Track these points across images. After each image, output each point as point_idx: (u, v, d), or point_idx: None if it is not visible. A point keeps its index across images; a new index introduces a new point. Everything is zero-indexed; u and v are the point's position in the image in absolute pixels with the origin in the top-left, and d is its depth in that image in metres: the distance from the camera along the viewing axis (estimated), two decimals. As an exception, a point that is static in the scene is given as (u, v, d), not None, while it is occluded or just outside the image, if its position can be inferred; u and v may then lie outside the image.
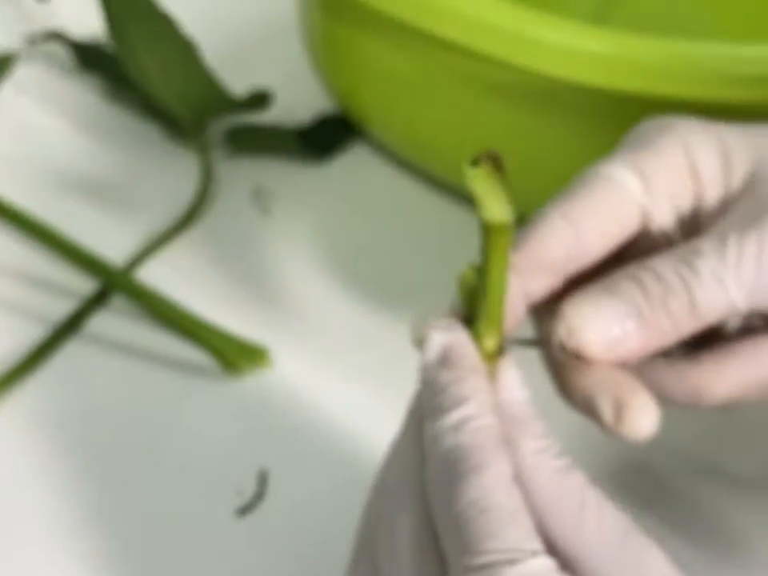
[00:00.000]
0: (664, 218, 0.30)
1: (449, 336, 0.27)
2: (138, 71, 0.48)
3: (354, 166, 0.50)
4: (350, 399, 0.40)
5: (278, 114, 0.51)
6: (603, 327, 0.28)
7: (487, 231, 0.27)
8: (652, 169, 0.30)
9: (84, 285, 0.44)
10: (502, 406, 0.27)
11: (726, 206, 0.30)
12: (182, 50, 0.48)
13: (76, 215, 0.47)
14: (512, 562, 0.24)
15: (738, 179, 0.30)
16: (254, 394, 0.41)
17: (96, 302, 0.43)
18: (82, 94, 0.53)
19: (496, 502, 0.24)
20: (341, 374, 0.41)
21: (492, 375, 0.27)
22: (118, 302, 0.43)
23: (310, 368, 0.41)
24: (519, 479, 0.26)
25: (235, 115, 0.50)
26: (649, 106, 0.35)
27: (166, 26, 0.47)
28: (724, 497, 0.37)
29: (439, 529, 0.25)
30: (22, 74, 0.54)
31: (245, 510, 0.37)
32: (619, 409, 0.27)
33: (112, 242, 0.46)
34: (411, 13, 0.41)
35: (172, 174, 0.49)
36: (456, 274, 0.35)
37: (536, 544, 0.24)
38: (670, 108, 0.35)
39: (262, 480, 0.38)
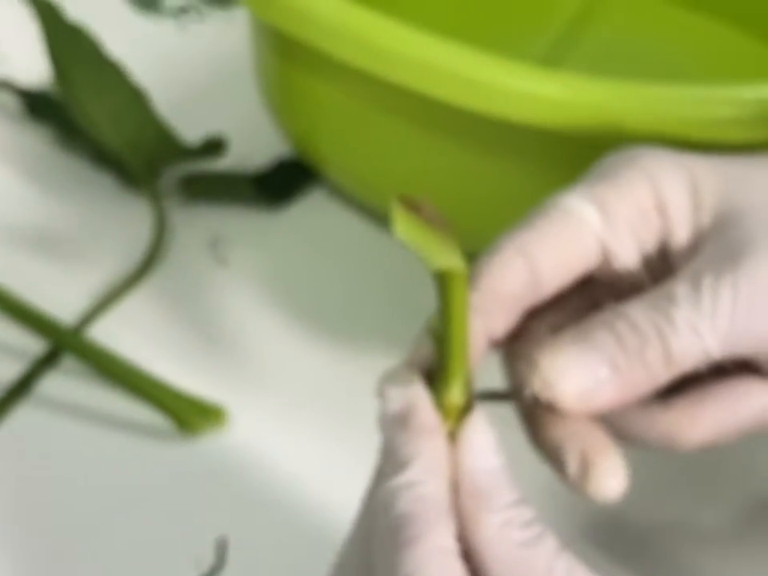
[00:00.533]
0: (627, 252, 0.29)
1: (406, 391, 0.26)
2: (86, 120, 0.47)
3: (312, 210, 0.49)
4: (310, 458, 0.39)
5: (233, 160, 0.50)
6: (578, 380, 0.27)
7: (440, 281, 0.26)
8: (613, 201, 0.29)
9: (34, 345, 0.42)
10: (466, 474, 0.25)
11: (697, 243, 0.29)
12: (132, 97, 0.47)
13: (24, 270, 0.45)
14: None
15: (708, 215, 0.29)
16: (211, 456, 0.39)
17: (46, 363, 0.41)
18: (31, 143, 0.51)
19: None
20: (301, 430, 0.40)
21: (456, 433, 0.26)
22: (69, 362, 0.42)
23: (269, 426, 0.40)
24: (481, 554, 0.25)
25: (189, 163, 0.49)
26: (603, 147, 0.34)
27: (114, 73, 0.46)
28: (699, 551, 0.37)
29: None
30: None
31: (203, 582, 0.36)
32: (585, 466, 0.26)
33: (63, 298, 0.44)
34: (363, 58, 0.40)
35: (125, 224, 0.48)
36: (419, 320, 0.34)
37: None
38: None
39: (221, 549, 0.36)
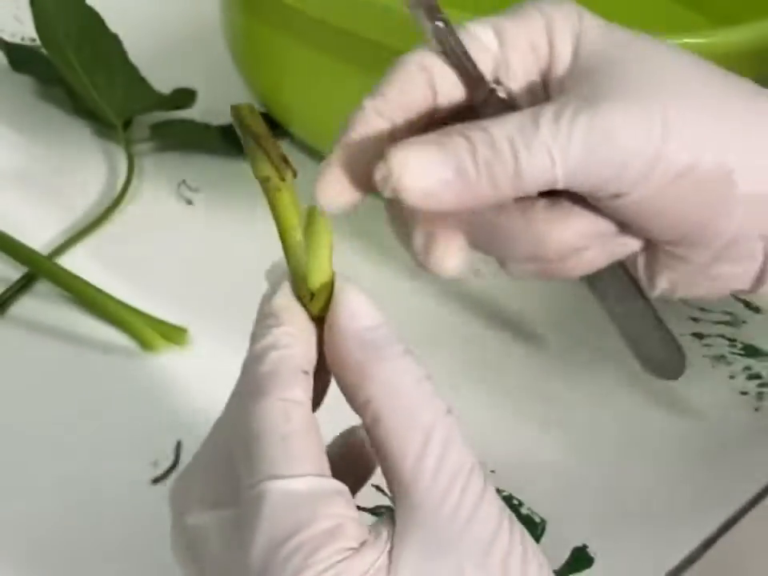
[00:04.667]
0: (516, 77, 0.31)
1: (274, 279, 0.29)
2: (65, 68, 0.50)
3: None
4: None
5: (201, 112, 0.53)
6: (423, 177, 0.28)
7: (262, 187, 0.28)
8: (510, 30, 0.31)
9: (10, 271, 0.45)
10: (350, 334, 0.27)
11: (570, 83, 0.31)
12: (108, 46, 0.50)
13: (4, 206, 0.49)
14: (272, 477, 0.25)
15: (584, 61, 0.31)
16: (172, 372, 0.43)
17: (21, 287, 0.45)
18: (13, 92, 0.55)
19: (269, 426, 0.26)
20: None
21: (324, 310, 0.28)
22: (42, 287, 0.45)
23: (228, 347, 0.43)
24: (376, 401, 0.26)
25: (160, 112, 0.52)
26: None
27: (93, 22, 0.49)
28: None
29: (233, 451, 0.26)
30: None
31: (159, 480, 0.39)
32: (429, 243, 0.29)
33: (39, 232, 0.48)
34: (324, 8, 0.43)
35: (99, 168, 0.51)
36: (384, 257, 0.37)
37: (307, 468, 0.25)
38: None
39: (177, 452, 0.40)
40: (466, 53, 0.31)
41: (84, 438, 0.40)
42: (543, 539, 0.38)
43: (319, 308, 0.28)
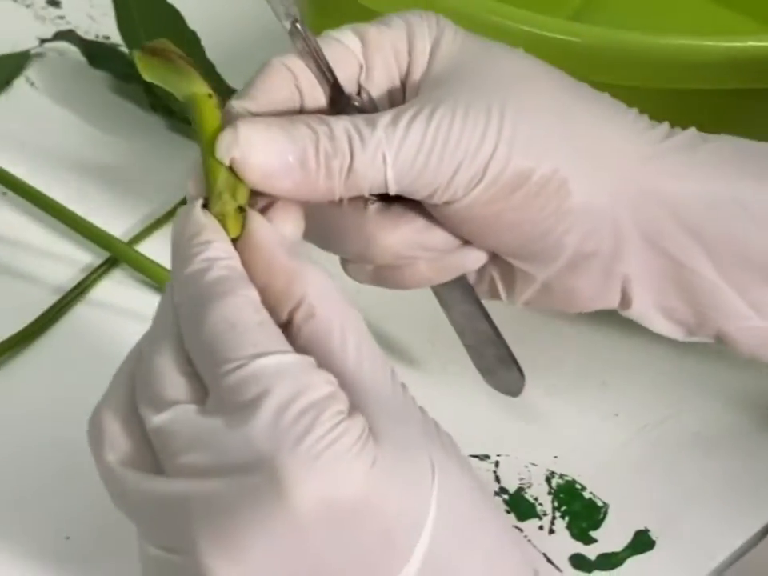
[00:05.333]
0: (376, 81, 0.33)
1: (186, 210, 0.29)
2: (143, 65, 0.52)
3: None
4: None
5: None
6: (265, 158, 0.29)
7: (188, 105, 0.29)
8: (374, 35, 0.33)
9: (90, 257, 0.47)
10: (273, 244, 0.28)
11: (424, 88, 0.32)
12: (187, 43, 0.52)
13: (86, 197, 0.50)
14: (263, 355, 0.26)
15: (439, 65, 0.32)
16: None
17: (103, 270, 0.47)
18: (91, 89, 0.57)
19: (244, 316, 0.27)
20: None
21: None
22: (120, 272, 0.47)
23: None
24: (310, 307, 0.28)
25: (233, 108, 0.54)
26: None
27: (172, 19, 0.51)
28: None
29: (194, 357, 0.27)
30: (36, 70, 0.58)
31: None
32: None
33: (118, 221, 0.49)
34: (395, 9, 0.45)
35: (172, 161, 0.53)
36: None
37: (286, 347, 0.27)
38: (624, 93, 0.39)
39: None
40: (322, 57, 0.31)
41: None
42: (606, 522, 0.39)
43: (238, 228, 0.29)
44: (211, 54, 0.53)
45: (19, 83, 0.57)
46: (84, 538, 0.38)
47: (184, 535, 0.26)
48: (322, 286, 0.28)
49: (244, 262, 0.28)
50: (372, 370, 0.28)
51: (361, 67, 0.33)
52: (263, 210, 0.30)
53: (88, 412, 0.40)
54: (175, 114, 0.54)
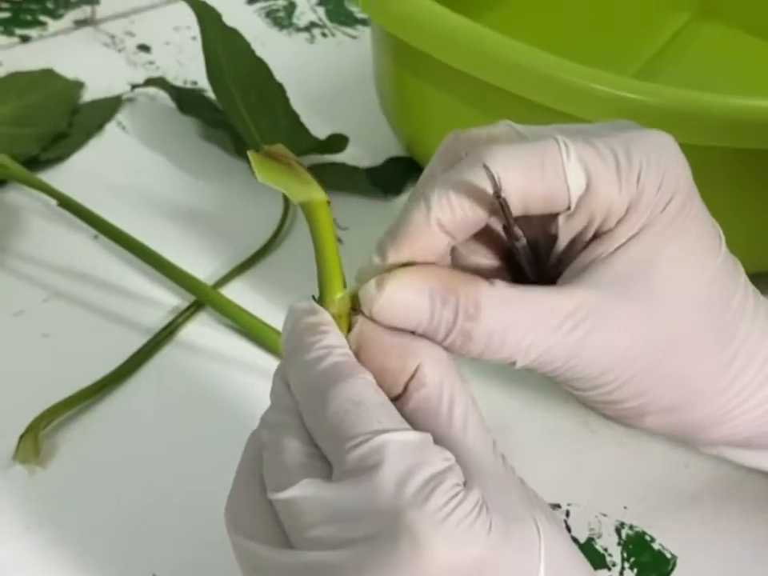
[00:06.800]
0: (572, 229, 0.32)
1: (303, 306, 0.31)
2: (231, 111, 0.55)
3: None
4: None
5: (350, 154, 0.57)
6: (399, 321, 0.31)
7: (304, 211, 0.30)
8: (606, 189, 0.32)
9: (177, 300, 0.50)
10: (385, 327, 0.30)
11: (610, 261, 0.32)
12: (274, 93, 0.54)
13: (172, 239, 0.53)
14: (387, 431, 0.28)
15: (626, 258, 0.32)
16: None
17: (189, 313, 0.49)
18: (180, 133, 0.59)
19: (366, 396, 0.29)
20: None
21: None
22: (206, 315, 0.49)
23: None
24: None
25: (316, 155, 0.56)
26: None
27: (261, 71, 0.53)
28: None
29: (317, 435, 0.29)
30: (127, 114, 0.61)
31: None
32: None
33: (203, 264, 0.52)
34: (474, 66, 0.46)
35: (258, 206, 0.55)
36: None
37: (407, 425, 0.29)
38: (707, 155, 0.40)
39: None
40: (509, 212, 0.31)
41: (238, 449, 0.42)
42: (674, 574, 0.40)
43: (348, 323, 0.31)
44: (295, 103, 0.56)
45: (111, 127, 0.60)
46: None
47: None
48: (433, 357, 0.30)
49: (356, 353, 0.31)
50: (476, 439, 0.30)
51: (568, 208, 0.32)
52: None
53: (177, 449, 0.43)
54: (259, 160, 0.56)
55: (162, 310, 0.49)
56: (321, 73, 0.64)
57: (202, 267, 0.51)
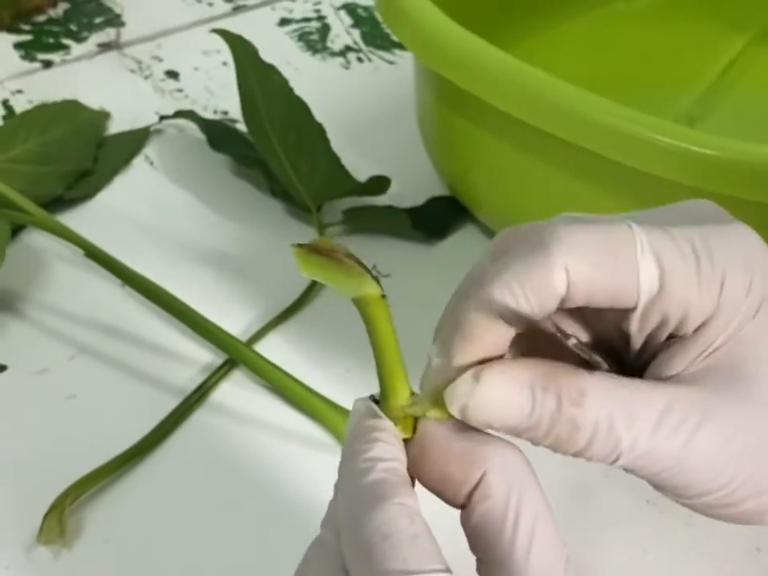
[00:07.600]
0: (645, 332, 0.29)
1: (361, 407, 0.29)
2: (267, 151, 0.52)
3: (464, 245, 0.52)
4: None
5: (392, 195, 0.54)
6: (497, 420, 0.28)
7: (358, 307, 0.28)
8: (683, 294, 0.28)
9: (210, 356, 0.47)
10: (449, 432, 0.28)
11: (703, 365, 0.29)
12: (313, 134, 0.51)
13: (202, 285, 0.50)
14: (409, 573, 0.25)
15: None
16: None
17: (222, 373, 0.46)
18: (210, 169, 0.57)
19: (397, 528, 0.26)
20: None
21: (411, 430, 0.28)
22: (240, 374, 0.46)
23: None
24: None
25: (354, 196, 0.53)
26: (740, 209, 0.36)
27: (300, 110, 0.50)
28: None
29: (348, 561, 0.27)
30: (155, 147, 0.58)
31: None
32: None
33: (235, 312, 0.49)
34: (519, 107, 0.44)
35: (290, 250, 0.52)
36: None
37: (437, 564, 0.26)
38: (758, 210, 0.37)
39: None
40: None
41: (274, 523, 0.41)
42: None
43: (410, 426, 0.28)
44: (330, 134, 0.53)
45: (138, 161, 0.57)
46: None
47: None
48: (501, 463, 0.28)
49: (418, 457, 0.28)
50: (541, 563, 0.27)
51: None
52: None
53: (210, 526, 0.40)
54: (294, 201, 0.53)
55: (193, 367, 0.47)
56: (357, 101, 0.61)
57: (234, 317, 0.48)
